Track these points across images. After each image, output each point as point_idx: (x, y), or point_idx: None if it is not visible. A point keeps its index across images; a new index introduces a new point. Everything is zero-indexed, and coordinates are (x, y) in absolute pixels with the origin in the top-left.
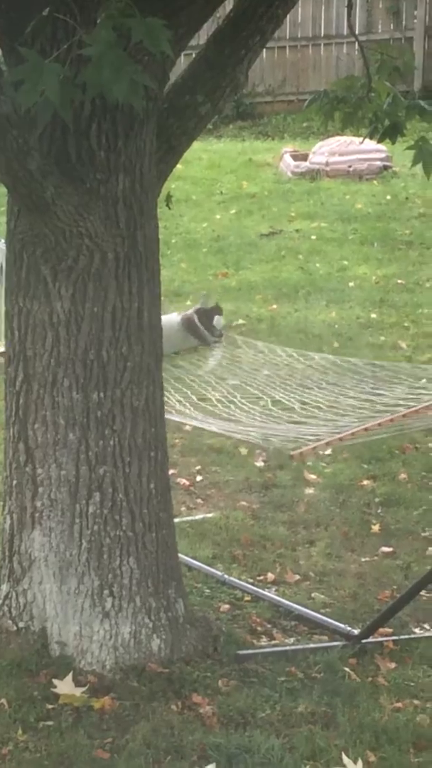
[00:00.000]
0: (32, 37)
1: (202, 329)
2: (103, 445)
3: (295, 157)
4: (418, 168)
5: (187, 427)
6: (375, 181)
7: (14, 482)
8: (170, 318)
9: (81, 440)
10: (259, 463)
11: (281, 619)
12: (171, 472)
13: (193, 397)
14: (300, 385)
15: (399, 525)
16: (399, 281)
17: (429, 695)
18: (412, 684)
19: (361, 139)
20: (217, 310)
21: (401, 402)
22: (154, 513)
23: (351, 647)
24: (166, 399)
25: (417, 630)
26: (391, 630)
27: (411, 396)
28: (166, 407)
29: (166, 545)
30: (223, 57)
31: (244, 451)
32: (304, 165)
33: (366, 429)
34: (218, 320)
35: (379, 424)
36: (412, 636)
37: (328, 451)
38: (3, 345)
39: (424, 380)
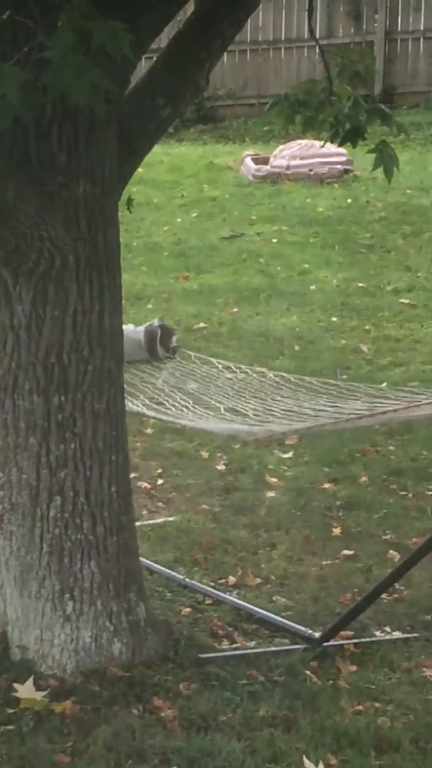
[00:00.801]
0: None
1: (158, 345)
2: (64, 448)
3: (256, 161)
4: (379, 172)
5: (149, 431)
6: (336, 185)
7: None
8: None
9: (42, 444)
10: (221, 467)
11: (242, 623)
12: (132, 475)
13: (146, 400)
14: (254, 396)
15: (360, 528)
16: (360, 285)
17: (390, 698)
18: (373, 687)
19: (321, 142)
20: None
21: (357, 412)
22: (115, 516)
23: (312, 650)
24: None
25: (378, 633)
26: (352, 633)
27: (366, 407)
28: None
29: (127, 549)
30: (184, 60)
31: (205, 454)
32: (265, 168)
33: (323, 425)
34: (174, 339)
35: (333, 423)
36: (374, 639)
37: (289, 455)
38: None
39: (384, 387)
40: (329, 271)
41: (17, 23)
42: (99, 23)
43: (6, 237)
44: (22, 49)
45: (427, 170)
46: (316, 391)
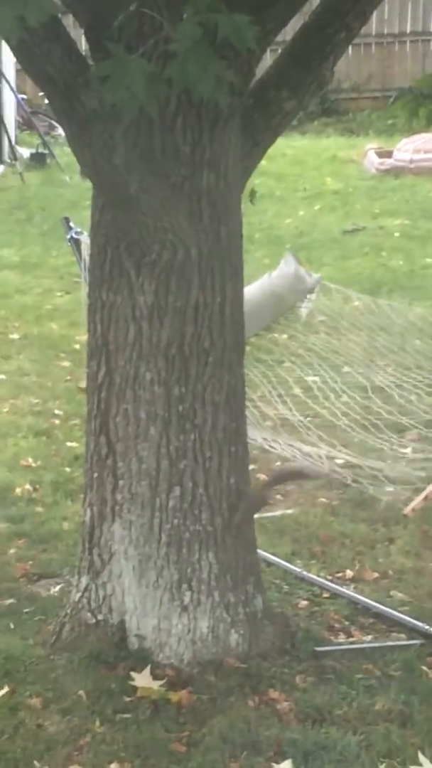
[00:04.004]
0: (119, 33)
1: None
2: (184, 439)
3: (380, 154)
4: None
5: (268, 423)
6: None
7: (95, 475)
8: (262, 284)
9: (162, 434)
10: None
11: (359, 617)
12: (251, 467)
13: (281, 391)
14: (399, 365)
15: None
16: None
17: None
18: None
19: None
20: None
21: None
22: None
23: (429, 646)
24: (252, 410)
25: None
26: None
27: None
28: (255, 424)
29: (245, 540)
30: (308, 53)
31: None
32: (389, 162)
33: None
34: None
35: None
36: None
37: (408, 450)
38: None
39: None
40: None
41: (143, 15)
42: (224, 16)
43: (129, 228)
44: (147, 41)
45: None
46: None
